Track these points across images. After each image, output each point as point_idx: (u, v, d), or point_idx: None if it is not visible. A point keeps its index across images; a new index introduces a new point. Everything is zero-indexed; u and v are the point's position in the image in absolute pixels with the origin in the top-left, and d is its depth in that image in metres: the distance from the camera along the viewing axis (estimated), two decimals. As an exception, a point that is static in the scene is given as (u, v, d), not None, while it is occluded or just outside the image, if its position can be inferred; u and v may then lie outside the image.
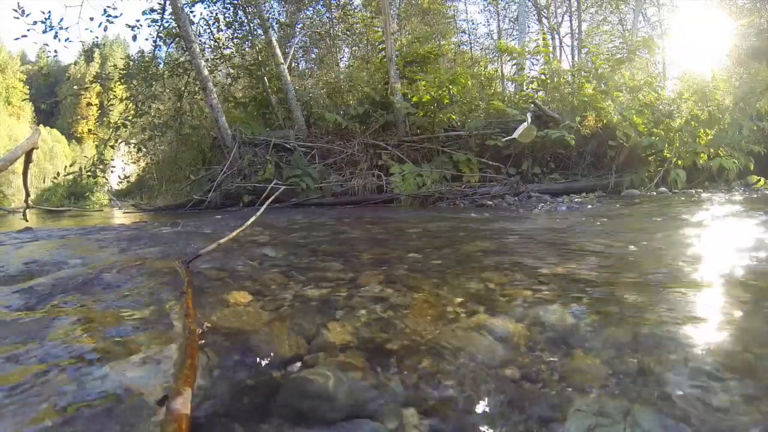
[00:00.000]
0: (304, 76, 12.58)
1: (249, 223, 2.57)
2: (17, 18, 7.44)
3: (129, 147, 10.16)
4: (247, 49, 9.44)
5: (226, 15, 9.48)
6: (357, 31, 11.50)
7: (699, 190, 6.35)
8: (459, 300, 1.21)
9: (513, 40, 13.86)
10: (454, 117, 7.35)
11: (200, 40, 9.09)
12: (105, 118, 14.50)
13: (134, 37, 21.23)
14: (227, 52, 9.55)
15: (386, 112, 7.57)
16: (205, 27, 9.67)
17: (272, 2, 11.66)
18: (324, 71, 12.24)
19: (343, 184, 6.76)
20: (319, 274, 1.61)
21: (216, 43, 9.59)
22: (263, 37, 8.79)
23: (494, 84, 11.20)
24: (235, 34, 9.44)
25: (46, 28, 7.81)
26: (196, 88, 8.68)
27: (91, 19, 24.78)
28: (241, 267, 1.78)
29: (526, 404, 0.70)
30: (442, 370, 0.80)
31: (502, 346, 0.90)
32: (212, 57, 9.51)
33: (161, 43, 9.13)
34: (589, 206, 4.50)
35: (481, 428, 0.65)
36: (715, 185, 6.75)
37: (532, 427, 0.65)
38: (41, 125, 30.70)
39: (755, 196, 5.19)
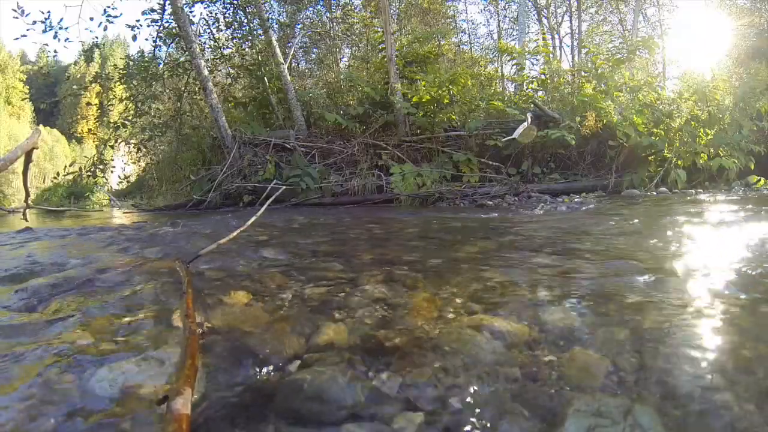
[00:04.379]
0: (304, 76, 12.56)
1: (249, 223, 2.57)
2: (17, 18, 7.44)
3: (129, 147, 10.14)
4: (246, 50, 9.44)
5: (226, 15, 9.47)
6: (357, 31, 11.49)
7: (699, 190, 6.35)
8: (459, 300, 1.21)
9: (513, 40, 13.85)
10: (454, 117, 7.34)
11: (200, 40, 9.08)
12: (105, 118, 14.50)
13: (134, 37, 21.28)
14: (227, 52, 9.54)
15: (386, 112, 7.56)
16: (205, 27, 9.66)
17: (272, 2, 11.64)
18: (324, 71, 12.23)
19: (343, 184, 6.75)
20: (318, 274, 1.61)
21: (216, 43, 9.58)
22: (263, 37, 8.78)
23: (494, 84, 11.20)
24: (235, 34, 9.43)
25: (45, 28, 7.80)
26: (196, 88, 8.67)
27: (91, 19, 24.82)
28: (241, 267, 1.78)
29: (527, 404, 0.70)
30: (442, 369, 0.80)
31: (501, 345, 0.90)
32: (212, 57, 9.50)
33: (161, 43, 9.12)
34: (589, 206, 4.50)
35: (481, 428, 0.65)
36: (715, 185, 6.74)
37: (532, 427, 0.65)
38: (41, 125, 30.65)
39: (755, 196, 5.19)
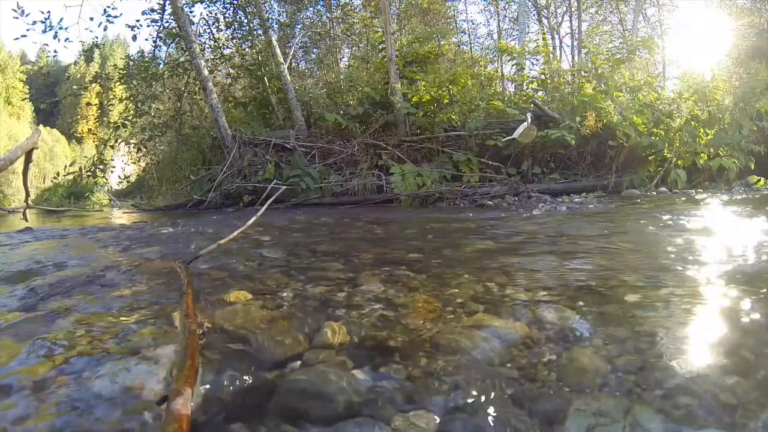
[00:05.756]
0: (304, 76, 12.57)
1: (249, 223, 2.57)
2: (17, 18, 7.44)
3: (129, 147, 10.15)
4: (246, 49, 9.44)
5: (226, 15, 9.47)
6: (357, 31, 11.49)
7: (699, 190, 6.35)
8: (459, 300, 1.21)
9: (513, 40, 13.85)
10: (454, 117, 7.34)
11: (200, 40, 9.08)
12: (105, 118, 14.50)
13: (134, 37, 21.28)
14: (227, 52, 9.54)
15: (386, 112, 7.56)
16: (205, 27, 9.66)
17: (272, 2, 11.65)
18: (324, 71, 12.23)
19: (343, 184, 6.75)
20: (319, 273, 1.61)
21: (216, 43, 9.58)
22: (263, 37, 8.78)
23: (494, 84, 11.20)
24: (235, 34, 9.43)
25: (45, 28, 7.80)
26: (196, 88, 8.67)
27: (91, 19, 24.78)
28: (241, 267, 1.78)
29: (526, 404, 0.70)
30: (442, 369, 0.80)
31: (501, 345, 0.90)
32: (212, 57, 9.50)
33: (161, 43, 9.12)
34: (589, 206, 4.50)
35: (481, 428, 0.65)
36: (715, 185, 6.73)
37: (532, 427, 0.65)
38: (41, 125, 30.63)
39: (755, 196, 5.19)
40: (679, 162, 6.66)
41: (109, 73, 9.43)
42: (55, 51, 33.60)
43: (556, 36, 14.91)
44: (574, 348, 0.88)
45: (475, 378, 0.77)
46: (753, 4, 13.13)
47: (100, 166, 8.78)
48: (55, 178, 9.54)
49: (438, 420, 0.66)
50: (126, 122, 8.78)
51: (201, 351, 0.88)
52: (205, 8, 13.06)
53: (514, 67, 9.31)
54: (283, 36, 11.04)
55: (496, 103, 7.54)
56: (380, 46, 8.66)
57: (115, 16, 8.06)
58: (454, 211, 4.91)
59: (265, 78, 8.61)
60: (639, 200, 5.06)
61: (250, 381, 0.80)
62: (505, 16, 16.10)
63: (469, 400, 0.71)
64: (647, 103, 7.27)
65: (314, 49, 12.93)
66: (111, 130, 9.07)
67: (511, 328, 0.98)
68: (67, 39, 14.18)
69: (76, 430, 0.64)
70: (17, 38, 8.11)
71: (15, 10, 7.33)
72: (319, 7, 11.63)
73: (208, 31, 9.73)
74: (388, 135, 7.53)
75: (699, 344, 0.87)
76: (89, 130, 32.66)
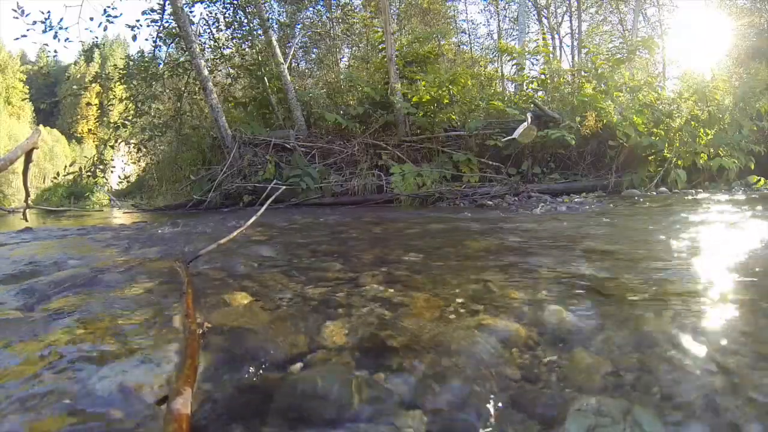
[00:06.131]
0: (304, 76, 12.57)
1: (249, 223, 2.57)
2: (17, 18, 7.45)
3: (129, 147, 10.15)
4: (246, 49, 9.44)
5: (226, 15, 9.47)
6: (357, 31, 11.50)
7: (699, 190, 6.35)
8: (459, 300, 1.21)
9: (513, 40, 13.86)
10: (454, 117, 7.34)
11: (200, 40, 9.08)
12: (105, 118, 14.51)
13: (134, 37, 21.28)
14: (227, 52, 9.55)
15: (386, 112, 7.56)
16: (205, 27, 9.67)
17: (272, 2, 11.66)
18: (324, 71, 12.24)
19: (343, 184, 6.75)
20: (319, 274, 1.60)
21: (216, 43, 9.59)
22: (263, 37, 8.78)
23: (494, 84, 11.20)
24: (235, 34, 9.43)
25: (45, 28, 7.81)
26: (196, 88, 8.67)
27: (91, 19, 24.87)
28: (241, 267, 1.77)
29: (527, 404, 0.70)
30: (442, 370, 0.80)
31: (502, 346, 0.90)
32: (212, 57, 9.50)
33: (161, 43, 9.13)
34: (589, 206, 4.50)
35: (481, 429, 0.65)
36: (716, 185, 6.74)
37: (533, 427, 0.65)
38: (41, 125, 30.63)
39: (755, 196, 5.18)
40: (679, 162, 6.66)
41: (109, 73, 9.43)
42: (55, 51, 33.73)
43: (556, 36, 14.93)
44: (575, 348, 0.88)
45: (476, 378, 0.77)
46: (753, 4, 13.14)
47: (100, 166, 8.79)
48: (55, 178, 9.54)
49: (439, 420, 0.66)
50: (126, 122, 8.78)
51: (201, 351, 0.88)
52: (205, 8, 13.08)
53: (514, 67, 9.31)
54: (283, 36, 11.05)
55: (496, 103, 7.54)
56: (380, 46, 8.67)
57: (115, 16, 8.08)
58: (454, 211, 4.91)
59: (265, 78, 8.61)
60: (639, 200, 5.07)
61: (251, 381, 0.79)
62: (505, 16, 16.13)
63: (470, 401, 0.71)
64: (647, 103, 7.27)
65: (314, 49, 12.95)
66: (111, 130, 9.08)
67: (511, 328, 0.98)
68: (67, 39, 14.23)
69: (75, 430, 0.64)
70: (17, 38, 8.15)
71: (15, 10, 7.34)
72: (319, 7, 11.65)
73: (208, 31, 9.74)
74: (388, 135, 7.54)
75: (700, 344, 0.87)
76: (89, 130, 32.66)
